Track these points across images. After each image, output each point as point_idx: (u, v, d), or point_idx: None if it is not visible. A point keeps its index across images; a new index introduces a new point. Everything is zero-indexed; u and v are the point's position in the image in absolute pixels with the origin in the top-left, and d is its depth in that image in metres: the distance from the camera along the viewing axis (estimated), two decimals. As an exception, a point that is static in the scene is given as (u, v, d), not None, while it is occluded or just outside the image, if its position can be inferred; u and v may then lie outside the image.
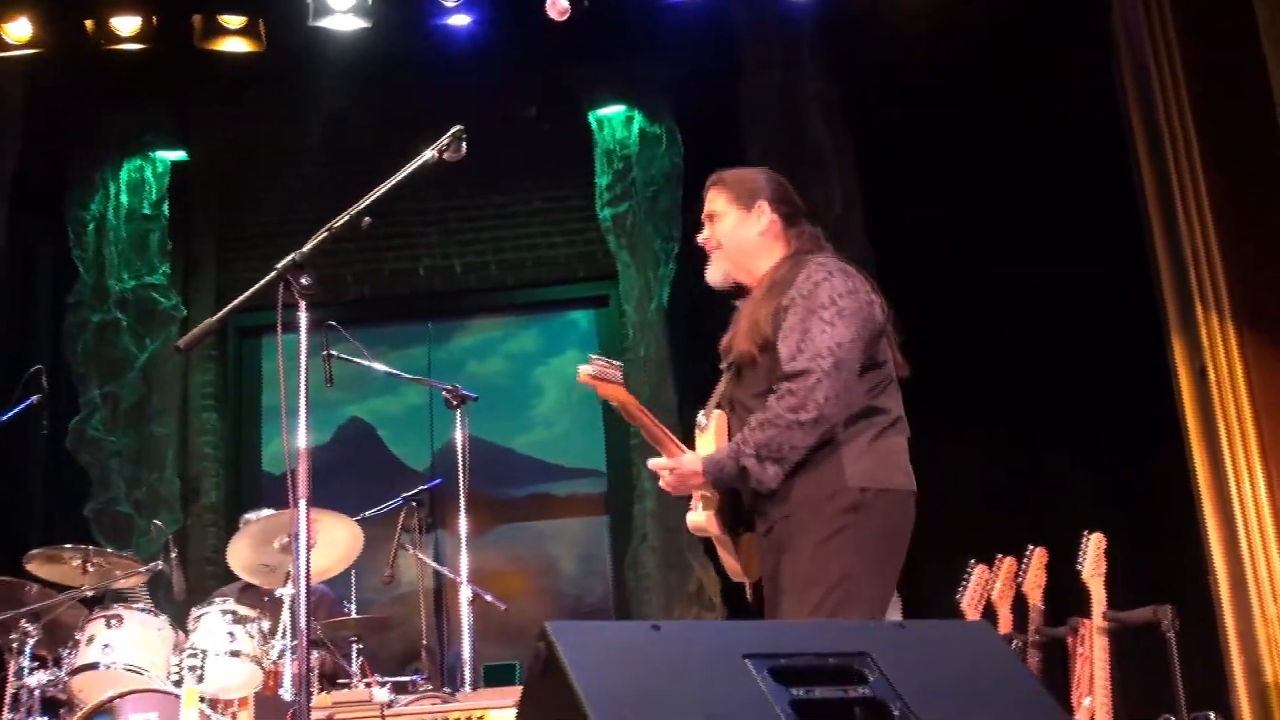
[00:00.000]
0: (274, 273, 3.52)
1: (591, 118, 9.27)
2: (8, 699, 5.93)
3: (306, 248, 3.58)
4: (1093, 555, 5.49)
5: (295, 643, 5.87)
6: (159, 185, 9.45)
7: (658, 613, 8.30)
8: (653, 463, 4.07)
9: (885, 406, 3.87)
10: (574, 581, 9.15)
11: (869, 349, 3.83)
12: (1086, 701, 5.36)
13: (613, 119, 9.28)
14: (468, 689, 5.86)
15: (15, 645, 5.99)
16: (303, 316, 3.50)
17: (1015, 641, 5.60)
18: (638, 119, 9.24)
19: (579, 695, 2.45)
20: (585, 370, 4.04)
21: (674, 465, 3.95)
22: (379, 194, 3.66)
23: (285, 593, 6.06)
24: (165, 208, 9.42)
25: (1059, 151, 8.01)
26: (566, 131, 9.28)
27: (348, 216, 3.66)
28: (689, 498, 4.04)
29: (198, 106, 9.40)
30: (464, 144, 3.78)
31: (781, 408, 3.70)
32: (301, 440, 3.42)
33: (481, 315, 9.70)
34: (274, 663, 5.96)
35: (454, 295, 9.55)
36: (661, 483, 4.01)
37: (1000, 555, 5.69)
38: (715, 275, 4.18)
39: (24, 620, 5.98)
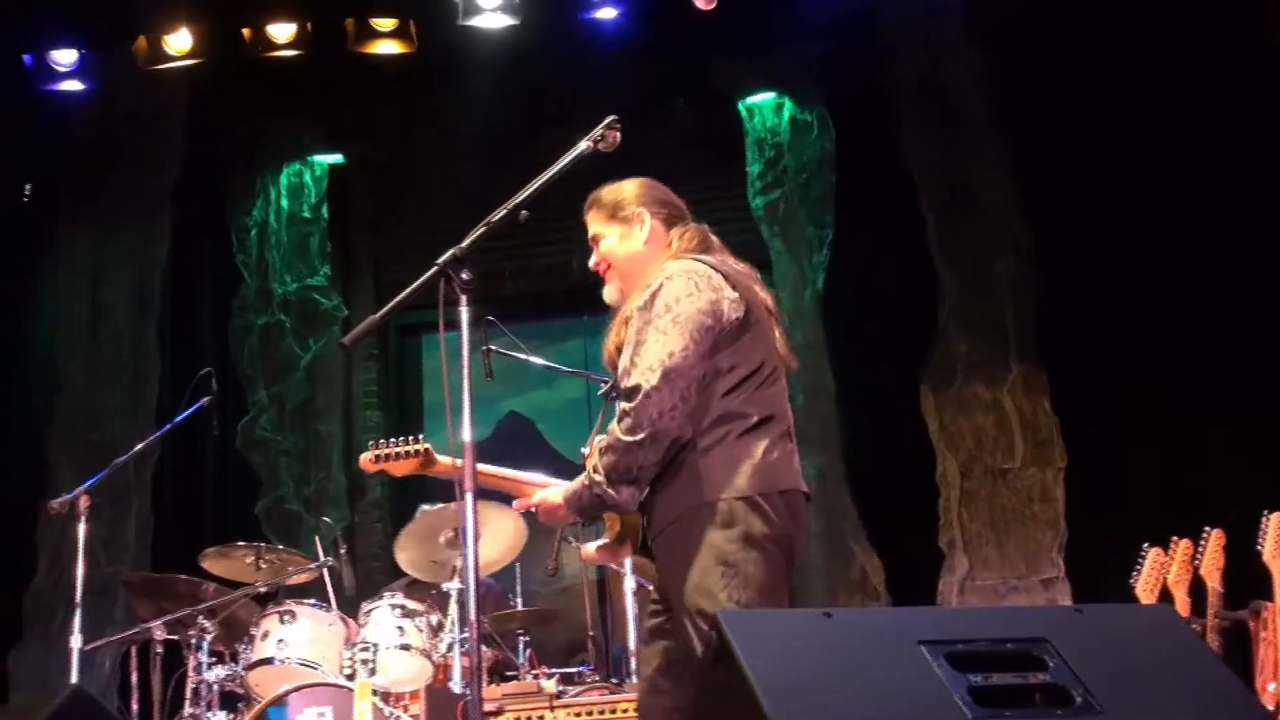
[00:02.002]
0: (435, 268, 3.54)
1: (741, 107, 9.21)
2: (188, 693, 6.08)
3: (466, 243, 3.59)
4: (1274, 536, 5.29)
5: (464, 636, 5.94)
6: (317, 189, 9.64)
7: (820, 601, 8.24)
8: (516, 504, 4.01)
9: (745, 410, 3.67)
10: (735, 571, 9.10)
11: (717, 352, 3.65)
12: (1271, 687, 5.18)
13: (762, 107, 9.21)
14: (634, 679, 5.87)
15: (194, 641, 6.14)
16: (464, 311, 3.52)
17: (1194, 626, 5.44)
18: (788, 106, 9.15)
19: (752, 684, 2.43)
20: (365, 458, 4.08)
21: (536, 503, 3.87)
22: (536, 187, 3.66)
23: (452, 587, 6.13)
24: (324, 210, 9.61)
25: (1220, 125, 7.77)
26: (716, 121, 9.24)
27: (505, 211, 3.66)
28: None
29: (352, 109, 9.55)
30: (619, 133, 3.75)
31: (620, 430, 3.59)
32: (467, 434, 3.43)
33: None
34: (443, 656, 6.03)
35: (597, 288, 9.55)
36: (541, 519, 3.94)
37: (1175, 538, 5.52)
38: (611, 294, 4.03)
39: (201, 617, 6.13)
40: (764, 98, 9.23)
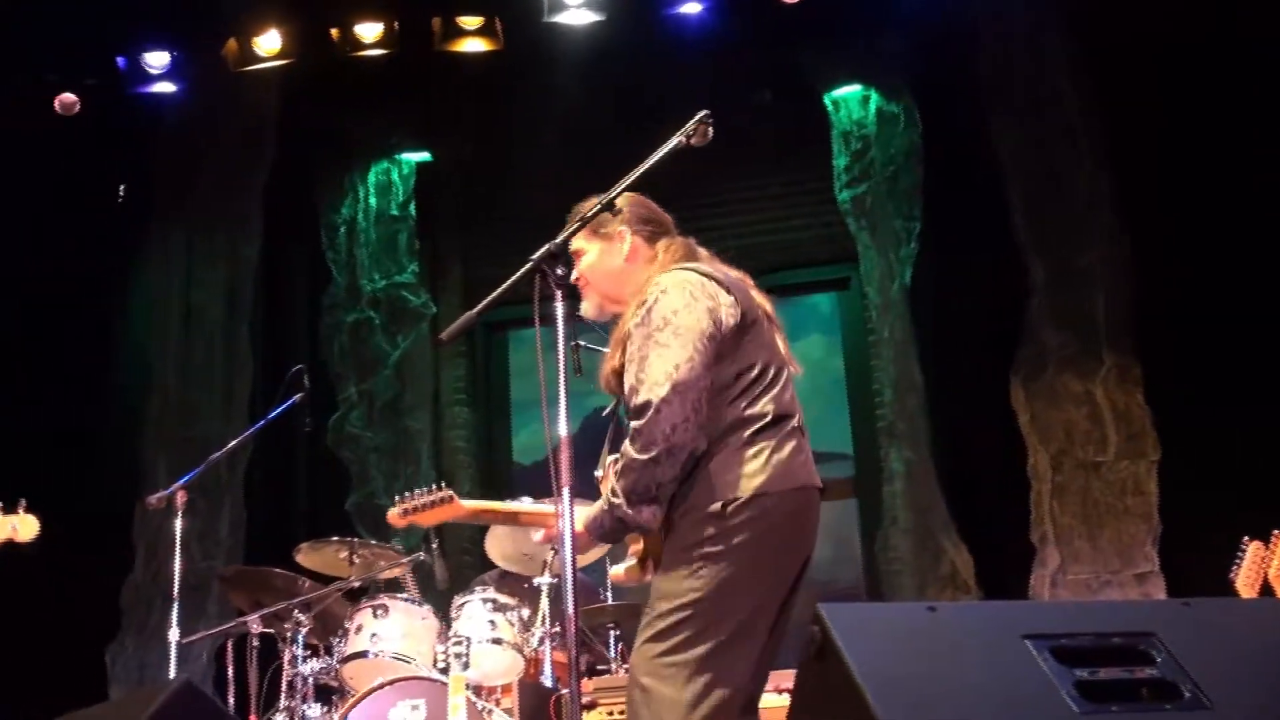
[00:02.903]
0: (530, 263, 3.56)
1: (827, 99, 9.16)
2: (283, 686, 6.15)
3: (560, 238, 3.61)
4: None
5: (555, 629, 5.96)
6: (405, 187, 9.71)
7: (910, 596, 8.18)
8: (539, 538, 4.02)
9: (754, 413, 3.65)
10: (823, 567, 9.07)
11: (721, 359, 3.63)
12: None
13: (849, 99, 9.16)
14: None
15: (289, 634, 6.21)
16: (559, 306, 3.53)
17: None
18: (874, 98, 9.09)
19: (856, 679, 2.42)
20: (393, 514, 4.12)
21: (558, 535, 3.79)
22: (628, 182, 3.67)
23: (543, 581, 6.15)
24: (411, 208, 9.68)
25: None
26: (802, 114, 9.20)
27: (599, 206, 3.67)
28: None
29: (440, 107, 9.60)
30: (711, 128, 3.74)
31: (634, 450, 3.56)
32: (563, 428, 3.44)
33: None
34: (534, 650, 6.06)
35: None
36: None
37: (1276, 531, 5.43)
38: (589, 310, 4.03)
39: (297, 610, 6.19)
40: (850, 90, 9.17)
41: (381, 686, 5.71)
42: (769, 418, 3.65)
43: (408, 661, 5.97)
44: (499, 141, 9.53)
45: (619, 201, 3.93)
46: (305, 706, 6.07)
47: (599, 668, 6.49)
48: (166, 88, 9.10)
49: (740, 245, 9.36)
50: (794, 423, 3.72)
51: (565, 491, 3.39)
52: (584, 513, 3.76)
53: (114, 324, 9.44)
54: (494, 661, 5.94)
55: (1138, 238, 8.13)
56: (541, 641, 6.01)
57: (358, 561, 6.48)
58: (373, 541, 6.82)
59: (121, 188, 9.35)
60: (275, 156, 9.45)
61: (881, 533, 8.61)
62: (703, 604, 3.52)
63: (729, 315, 3.67)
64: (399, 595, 6.26)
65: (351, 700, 5.75)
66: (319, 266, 9.67)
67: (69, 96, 8.49)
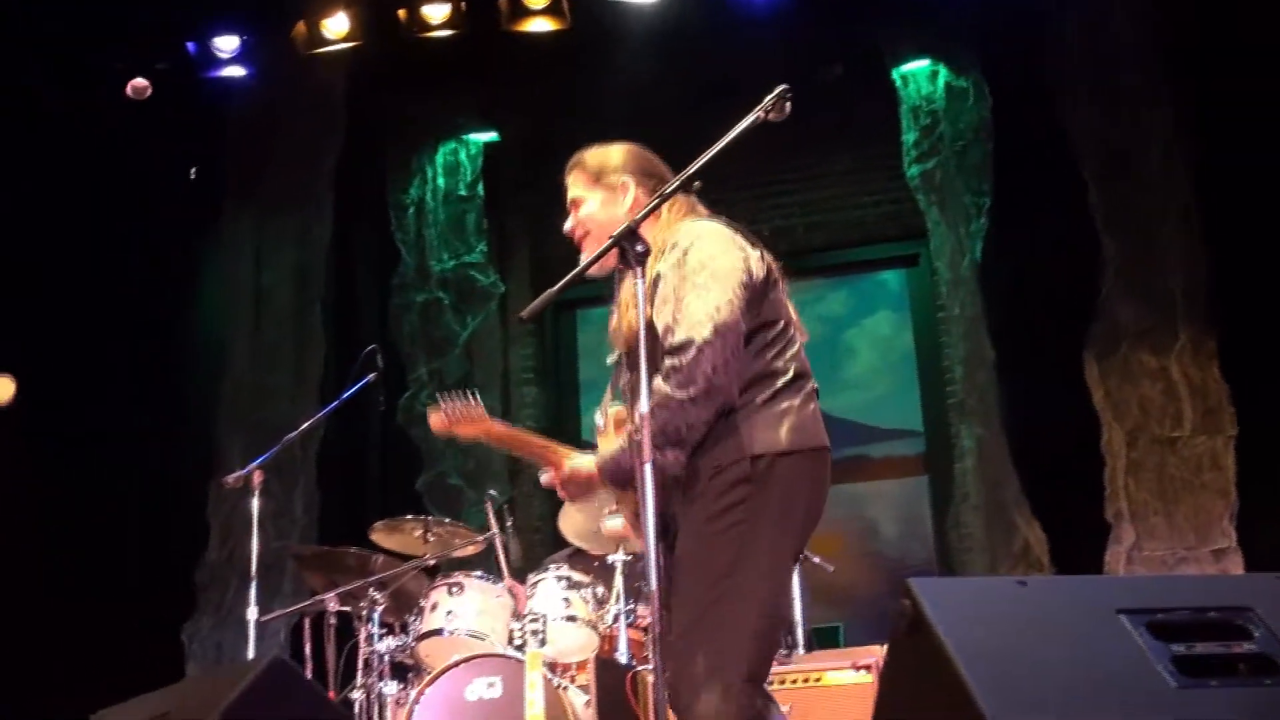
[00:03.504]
0: (610, 240, 3.54)
1: (895, 75, 9.10)
2: (360, 663, 6.20)
3: (640, 215, 3.59)
4: None
5: (629, 607, 5.97)
6: (473, 166, 9.76)
7: (982, 573, 8.13)
8: (544, 478, 3.91)
9: (780, 367, 3.63)
10: (894, 543, 9.06)
11: (753, 308, 3.59)
12: None
13: (917, 74, 9.09)
14: (801, 651, 5.85)
15: (364, 613, 6.25)
16: (640, 284, 3.50)
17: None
18: (943, 73, 9.02)
19: (949, 653, 2.40)
20: (436, 418, 4.05)
21: (567, 474, 3.80)
22: (707, 159, 3.64)
23: (617, 558, 6.15)
24: (479, 188, 9.72)
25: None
26: (870, 90, 9.14)
27: (678, 182, 3.66)
28: None
29: (507, 87, 9.59)
30: (788, 104, 3.70)
31: (670, 387, 3.48)
32: (644, 405, 3.41)
33: (790, 278, 9.61)
34: (609, 627, 6.07)
35: (761, 260, 9.52)
36: (560, 494, 3.87)
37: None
38: (585, 257, 3.89)
39: (372, 589, 6.24)
40: (919, 65, 9.11)
41: (458, 664, 5.73)
42: (790, 374, 3.63)
43: (482, 639, 5.99)
44: (566, 120, 9.51)
45: (619, 151, 3.99)
46: (381, 684, 6.11)
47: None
48: (236, 72, 9.18)
49: (808, 222, 9.37)
50: (812, 383, 3.70)
51: (647, 469, 3.35)
52: (601, 454, 3.73)
53: (186, 307, 9.54)
54: (569, 638, 5.95)
55: (1212, 210, 8.03)
56: (616, 619, 6.02)
57: (432, 540, 6.50)
58: (447, 520, 6.84)
59: (192, 171, 9.42)
60: (344, 138, 9.50)
61: (953, 510, 8.57)
62: (742, 569, 3.45)
63: (758, 268, 3.67)
64: (474, 573, 6.29)
65: (428, 677, 5.78)
66: (388, 247, 9.73)
67: (141, 81, 8.55)
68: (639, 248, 3.48)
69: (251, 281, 9.51)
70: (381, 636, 6.23)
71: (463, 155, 9.76)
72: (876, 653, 5.21)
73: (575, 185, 4.03)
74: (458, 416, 4.04)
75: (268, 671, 2.84)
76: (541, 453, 3.95)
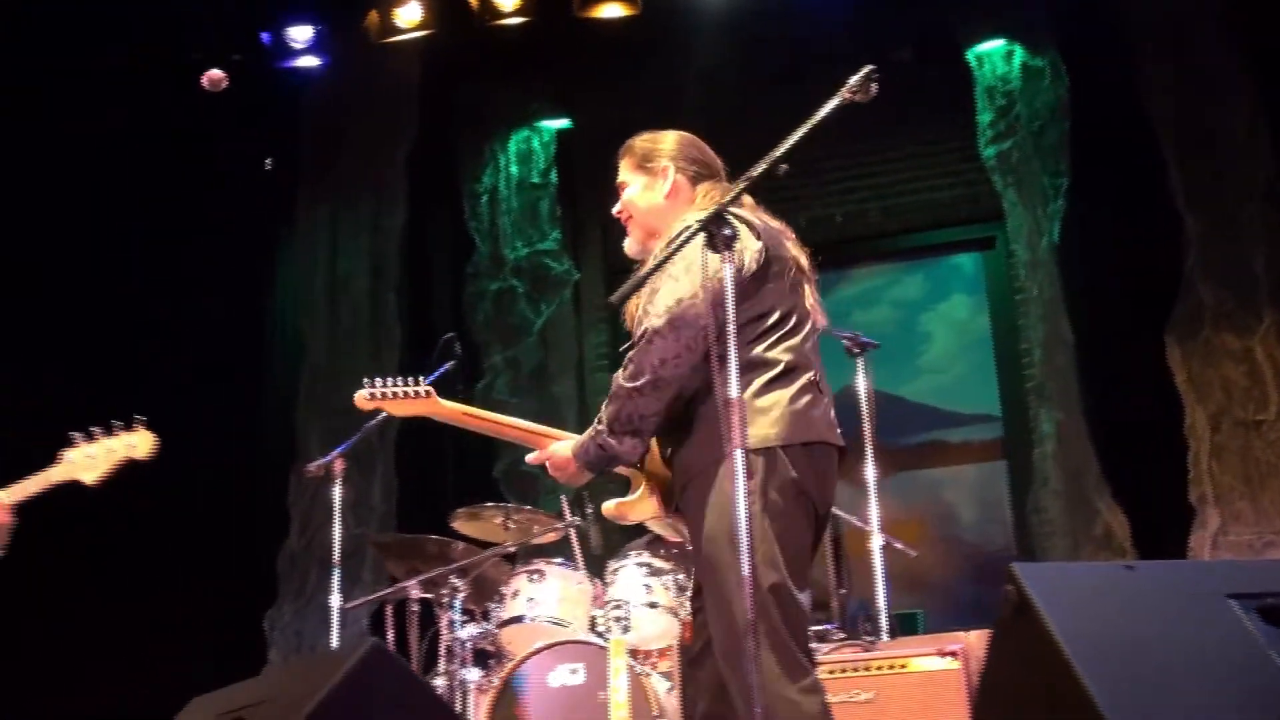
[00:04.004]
0: (697, 225, 3.52)
1: (970, 55, 9.01)
2: (442, 650, 6.22)
3: (727, 199, 3.57)
4: None
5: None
6: (545, 154, 9.77)
7: (1064, 558, 8.05)
8: (530, 458, 3.97)
9: (769, 359, 3.63)
10: (973, 528, 8.99)
11: (741, 300, 3.46)
12: None
13: (992, 54, 9.00)
14: (885, 638, 5.82)
15: (445, 600, 6.27)
16: (727, 268, 3.48)
17: None
18: (1018, 53, 8.93)
19: (1055, 637, 2.37)
20: (360, 396, 4.10)
21: (548, 457, 3.87)
22: (794, 141, 3.60)
23: (697, 544, 6.13)
24: (553, 175, 9.73)
25: None
26: (944, 71, 9.06)
27: (765, 165, 3.62)
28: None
29: (578, 73, 9.60)
30: (874, 84, 3.66)
31: (622, 377, 3.59)
32: (734, 390, 3.38)
33: (864, 264, 9.59)
34: (689, 614, 6.05)
35: (835, 245, 9.46)
36: (552, 473, 3.91)
37: None
38: (631, 246, 4.06)
39: (453, 576, 6.26)
40: (993, 45, 9.01)
41: (541, 650, 5.75)
42: (780, 366, 3.63)
43: (564, 626, 6.01)
44: (638, 105, 9.46)
45: (666, 137, 4.05)
46: (464, 671, 6.13)
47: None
48: (310, 62, 9.25)
49: (882, 206, 9.31)
50: (810, 375, 3.69)
51: (739, 454, 3.33)
52: (577, 440, 3.80)
53: (263, 295, 9.63)
54: (651, 625, 5.93)
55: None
56: (698, 605, 6.00)
57: (512, 527, 6.52)
58: (526, 507, 6.85)
59: (268, 162, 9.49)
60: (417, 127, 9.54)
61: (1032, 494, 8.49)
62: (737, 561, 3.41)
63: (752, 260, 3.65)
64: (554, 560, 6.30)
65: (511, 664, 5.80)
66: (462, 236, 9.76)
67: (216, 73, 8.60)
68: (726, 231, 3.46)
69: (327, 271, 9.59)
70: (463, 623, 6.24)
71: (535, 143, 9.78)
72: (962, 639, 5.17)
73: (624, 170, 4.11)
74: (386, 397, 4.10)
75: (367, 657, 2.85)
76: (523, 435, 4.04)
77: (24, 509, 4.54)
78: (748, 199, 3.90)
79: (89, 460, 4.55)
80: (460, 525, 6.58)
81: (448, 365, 6.68)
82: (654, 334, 3.56)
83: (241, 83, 8.84)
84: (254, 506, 8.96)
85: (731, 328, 3.36)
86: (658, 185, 4.00)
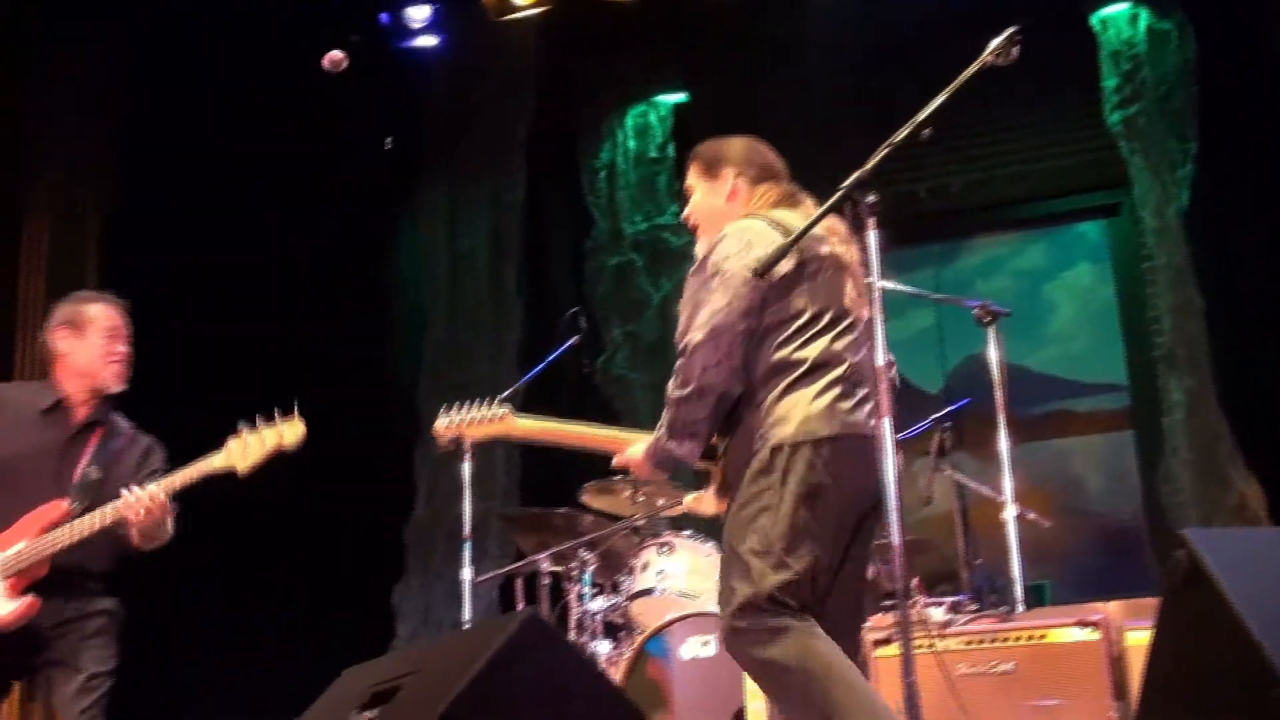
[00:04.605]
0: (840, 192, 3.52)
1: (1094, 19, 8.86)
2: (571, 623, 6.27)
3: (869, 165, 3.55)
4: None
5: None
6: (663, 128, 9.76)
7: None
8: (615, 461, 4.13)
9: (795, 359, 3.76)
10: (1101, 499, 8.86)
11: (767, 306, 3.76)
12: None
13: (1117, 18, 8.83)
14: (1021, 609, 5.76)
15: (574, 573, 6.32)
16: (871, 235, 3.47)
17: None
18: (1144, 16, 8.76)
19: (1231, 603, 2.34)
20: (439, 426, 4.38)
21: (625, 461, 4.06)
22: (937, 105, 3.59)
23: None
24: (670, 150, 9.72)
25: None
26: (1066, 36, 8.90)
27: (908, 131, 3.61)
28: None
29: (694, 48, 9.56)
30: (1016, 48, 3.64)
31: (671, 386, 3.79)
32: (880, 359, 3.38)
33: (986, 233, 9.48)
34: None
35: (956, 215, 9.38)
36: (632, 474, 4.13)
37: None
38: (701, 249, 4.03)
39: (582, 549, 6.30)
40: (1118, 8, 8.85)
41: (672, 623, 5.77)
42: (806, 365, 3.75)
43: (694, 598, 6.02)
44: (754, 79, 9.44)
45: (729, 144, 4.13)
46: (594, 643, 6.17)
47: (885, 602, 6.44)
48: (428, 41, 9.34)
49: (1006, 174, 9.20)
50: (839, 371, 3.77)
51: (885, 422, 3.33)
52: (648, 441, 3.96)
53: (386, 273, 9.73)
54: (781, 597, 5.92)
55: None
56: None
57: (641, 500, 6.54)
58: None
59: (388, 141, 9.58)
60: (534, 103, 9.58)
61: (1162, 465, 8.34)
62: (769, 546, 3.62)
63: (784, 263, 3.73)
64: (684, 533, 6.31)
65: (642, 636, 5.83)
66: (580, 211, 9.80)
67: (337, 54, 8.67)
68: (869, 199, 3.48)
69: (448, 247, 9.69)
70: (592, 596, 6.29)
71: (652, 117, 9.78)
72: (1103, 610, 5.09)
73: (690, 176, 4.20)
74: (464, 423, 4.36)
75: (523, 628, 2.87)
76: (602, 442, 4.24)
77: (182, 496, 4.66)
78: (808, 198, 4.04)
79: (244, 449, 4.65)
80: (589, 499, 6.60)
81: (572, 340, 6.73)
82: (695, 346, 3.72)
83: (361, 63, 8.92)
84: (380, 481, 9.06)
85: (878, 301, 3.44)
86: (718, 189, 4.11)
